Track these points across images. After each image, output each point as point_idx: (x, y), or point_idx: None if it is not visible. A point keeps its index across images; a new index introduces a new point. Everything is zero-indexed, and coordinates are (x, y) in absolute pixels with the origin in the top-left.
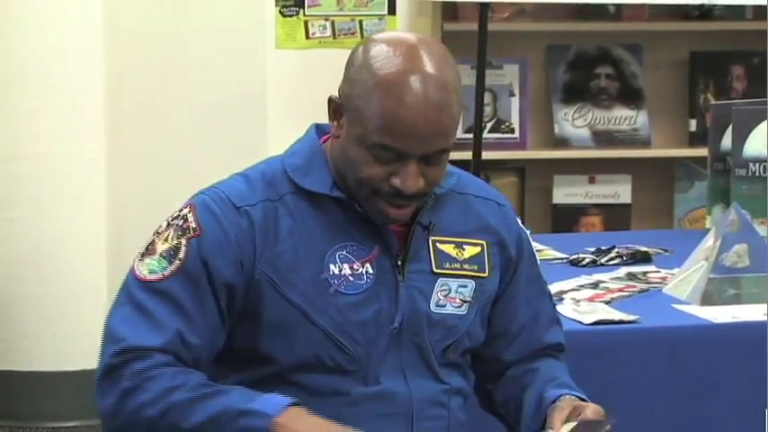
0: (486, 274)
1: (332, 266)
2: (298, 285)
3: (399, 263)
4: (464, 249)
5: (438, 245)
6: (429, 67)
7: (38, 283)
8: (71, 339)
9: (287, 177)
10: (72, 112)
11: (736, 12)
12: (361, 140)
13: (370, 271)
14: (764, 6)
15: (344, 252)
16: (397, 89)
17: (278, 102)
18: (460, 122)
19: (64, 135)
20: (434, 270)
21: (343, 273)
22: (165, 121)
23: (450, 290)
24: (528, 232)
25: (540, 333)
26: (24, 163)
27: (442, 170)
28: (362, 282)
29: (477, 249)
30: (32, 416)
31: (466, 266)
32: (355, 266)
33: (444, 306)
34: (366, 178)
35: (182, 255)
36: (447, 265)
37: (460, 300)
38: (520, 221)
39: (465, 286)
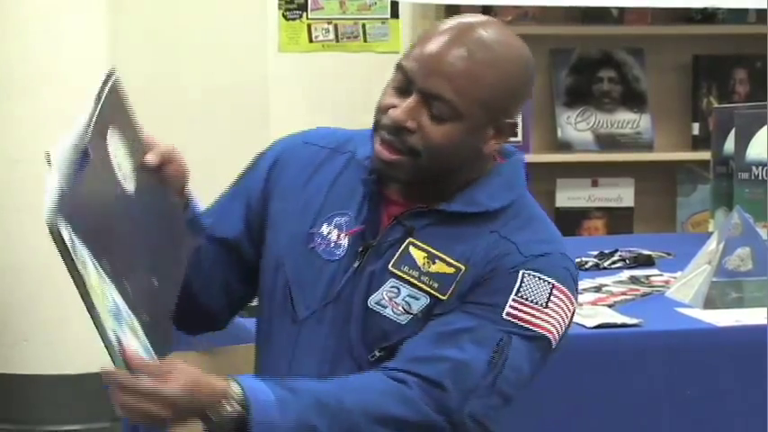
0: (444, 297)
1: (324, 226)
2: (288, 228)
3: (361, 249)
4: (434, 263)
5: (411, 248)
6: (476, 28)
7: (38, 288)
8: (71, 343)
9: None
10: (73, 116)
11: (739, 15)
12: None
13: (345, 245)
14: (767, 10)
15: (341, 219)
16: (437, 26)
17: (281, 105)
18: None
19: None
20: (390, 268)
21: (329, 236)
22: (167, 123)
23: (398, 294)
24: (550, 283)
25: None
26: (23, 167)
27: (440, 133)
28: (338, 252)
29: (450, 270)
30: (33, 419)
31: (424, 279)
32: (341, 236)
33: (385, 308)
34: (378, 106)
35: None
36: (405, 269)
37: (404, 309)
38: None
39: (417, 299)
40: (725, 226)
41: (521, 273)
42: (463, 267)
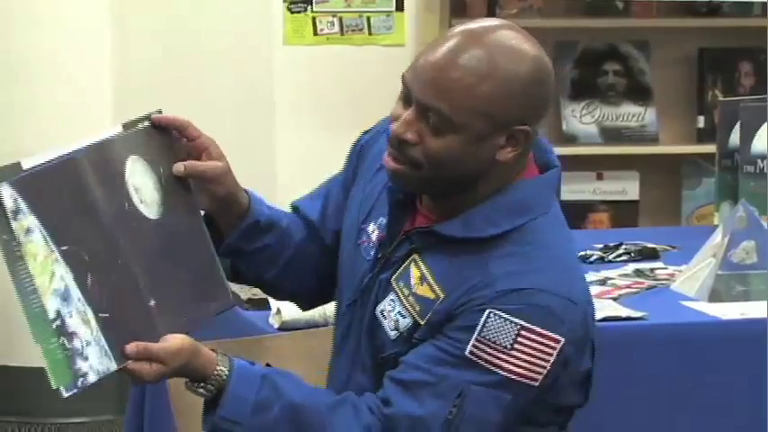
0: (422, 323)
1: (371, 224)
2: (351, 216)
3: (379, 257)
4: (422, 285)
5: (412, 264)
6: (478, 35)
7: None
8: None
9: None
10: (78, 108)
11: (744, 8)
12: None
13: (377, 248)
14: None
15: (384, 221)
16: (442, 35)
17: (285, 98)
18: None
19: (69, 131)
20: (392, 280)
21: (371, 235)
22: None
23: (393, 309)
24: (518, 324)
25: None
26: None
27: (439, 145)
28: (371, 253)
29: (431, 295)
30: (39, 412)
31: (410, 300)
32: (377, 238)
33: (384, 319)
34: (390, 116)
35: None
36: (401, 285)
37: (394, 325)
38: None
39: (404, 317)
40: (730, 219)
41: (486, 312)
42: (442, 295)
